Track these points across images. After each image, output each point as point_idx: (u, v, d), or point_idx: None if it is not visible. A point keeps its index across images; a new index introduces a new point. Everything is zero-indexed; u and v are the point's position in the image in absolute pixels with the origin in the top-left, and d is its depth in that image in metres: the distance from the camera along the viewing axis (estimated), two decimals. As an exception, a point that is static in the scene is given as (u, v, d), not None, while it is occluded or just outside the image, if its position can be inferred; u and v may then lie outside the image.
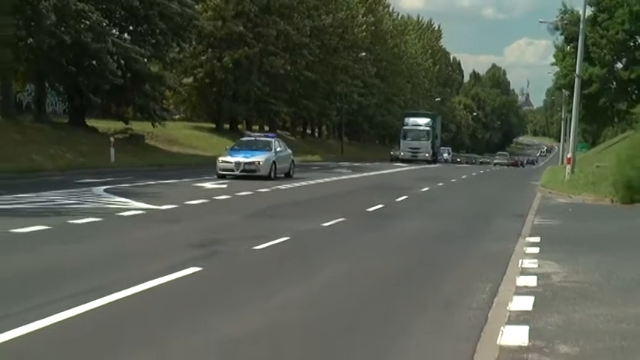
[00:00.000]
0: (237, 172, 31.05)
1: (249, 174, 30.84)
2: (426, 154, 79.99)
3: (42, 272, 10.23)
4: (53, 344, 6.87)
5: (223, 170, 31.42)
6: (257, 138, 36.41)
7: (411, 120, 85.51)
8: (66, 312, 7.73)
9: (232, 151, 33.06)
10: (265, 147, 33.34)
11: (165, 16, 46.48)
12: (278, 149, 34.04)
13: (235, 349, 6.96)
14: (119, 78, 43.18)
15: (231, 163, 31.57)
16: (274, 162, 32.48)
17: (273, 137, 36.05)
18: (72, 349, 6.71)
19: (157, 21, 46.45)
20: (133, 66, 44.62)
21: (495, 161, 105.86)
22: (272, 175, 31.82)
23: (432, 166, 69.72)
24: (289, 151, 36.70)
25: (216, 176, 31.08)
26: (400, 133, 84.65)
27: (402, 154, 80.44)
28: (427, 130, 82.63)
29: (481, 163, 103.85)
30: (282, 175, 33.82)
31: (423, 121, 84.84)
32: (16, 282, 9.51)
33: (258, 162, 31.50)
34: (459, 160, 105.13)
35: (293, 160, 36.63)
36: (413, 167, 61.11)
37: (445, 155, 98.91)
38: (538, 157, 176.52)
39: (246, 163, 31.29)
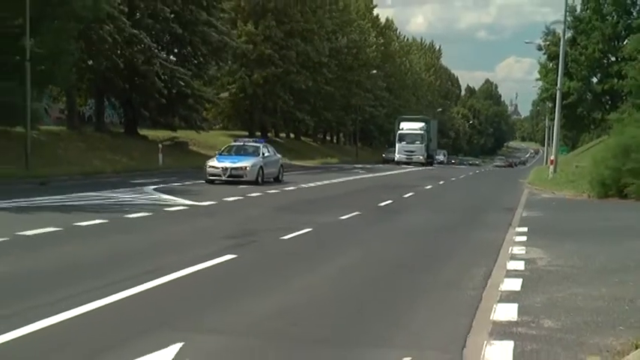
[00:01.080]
0: (224, 178, 27.11)
1: (235, 179, 26.99)
2: (420, 157, 71.20)
3: (101, 259, 10.30)
4: (113, 318, 6.94)
5: (211, 175, 27.46)
6: (245, 143, 31.42)
7: (407, 124, 75.06)
8: (124, 292, 7.84)
9: (221, 156, 29.16)
10: (254, 152, 29.32)
11: (207, 41, 46.85)
12: (266, 154, 29.69)
13: (265, 323, 6.97)
14: (165, 96, 43.71)
15: (218, 168, 27.54)
16: (262, 167, 28.30)
17: (262, 143, 31.76)
18: (130, 322, 6.77)
19: (200, 45, 46.91)
20: (177, 83, 44.91)
21: (495, 164, 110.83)
22: (259, 180, 27.83)
23: (432, 167, 68.51)
24: (278, 156, 32.02)
25: (204, 181, 27.39)
26: (396, 136, 74.88)
27: (397, 156, 71.98)
28: (422, 134, 72.94)
29: (470, 164, 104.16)
30: (271, 180, 29.48)
31: (417, 126, 74.51)
32: (81, 267, 9.59)
33: (245, 167, 27.50)
34: (453, 162, 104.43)
35: (282, 165, 31.98)
36: (416, 169, 60.82)
37: (441, 157, 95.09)
38: (528, 157, 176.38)
39: (232, 169, 27.32)
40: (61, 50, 30.21)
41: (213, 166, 27.79)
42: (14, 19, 28.31)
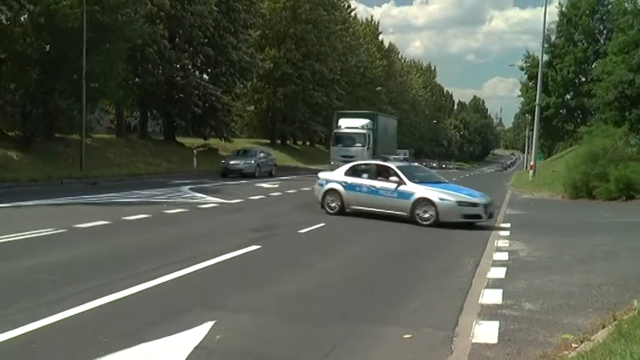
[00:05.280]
0: (485, 218, 15.02)
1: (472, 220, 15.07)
2: None
3: (145, 249, 10.38)
4: (155, 299, 7.00)
5: (468, 217, 14.91)
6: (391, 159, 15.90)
7: (345, 122, 45.64)
8: (165, 277, 7.93)
9: (420, 183, 15.96)
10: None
11: (234, 62, 47.05)
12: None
13: (287, 303, 7.05)
14: (199, 108, 43.91)
15: (478, 206, 14.98)
16: None
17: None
18: (170, 302, 6.83)
19: (228, 66, 47.11)
20: (209, 98, 45.05)
21: (495, 169, 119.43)
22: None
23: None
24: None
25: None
26: (332, 137, 45.68)
27: (332, 162, 42.26)
28: (364, 134, 43.79)
29: (443, 167, 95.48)
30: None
31: (359, 123, 45.05)
32: (128, 255, 9.65)
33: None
34: (424, 164, 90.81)
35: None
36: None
37: (400, 158, 69.07)
38: (515, 160, 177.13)
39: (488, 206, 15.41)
40: (111, 70, 30.37)
41: (471, 203, 15.13)
42: (74, 44, 28.44)
